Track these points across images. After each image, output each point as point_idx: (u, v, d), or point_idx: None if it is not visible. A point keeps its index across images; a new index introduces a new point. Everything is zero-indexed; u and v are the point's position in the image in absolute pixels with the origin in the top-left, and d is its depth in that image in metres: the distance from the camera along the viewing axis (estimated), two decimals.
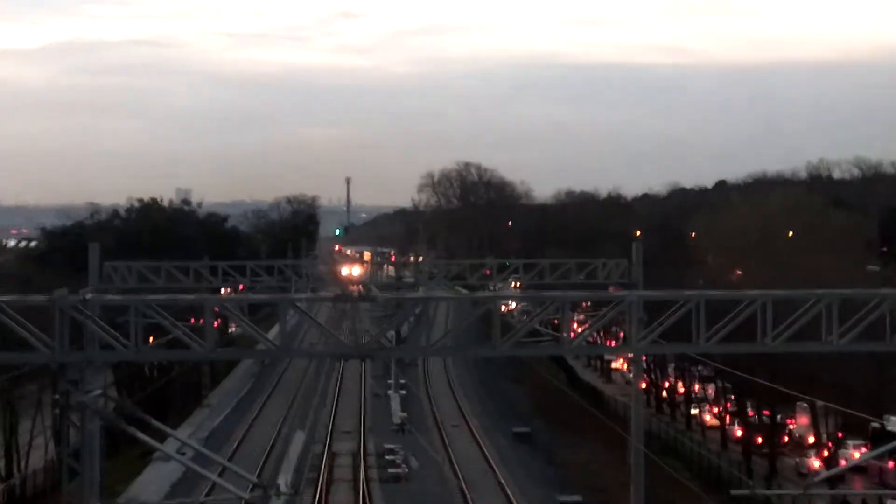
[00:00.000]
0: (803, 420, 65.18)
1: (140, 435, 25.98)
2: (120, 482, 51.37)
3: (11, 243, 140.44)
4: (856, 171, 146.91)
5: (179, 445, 45.48)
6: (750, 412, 65.69)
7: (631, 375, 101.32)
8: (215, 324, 26.92)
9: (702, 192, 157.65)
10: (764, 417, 64.09)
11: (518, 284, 52.14)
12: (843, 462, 51.87)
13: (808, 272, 60.72)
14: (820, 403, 55.34)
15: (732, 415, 70.28)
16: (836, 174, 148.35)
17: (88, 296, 25.07)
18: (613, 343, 74.52)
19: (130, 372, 67.66)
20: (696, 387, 79.90)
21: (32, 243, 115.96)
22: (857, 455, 53.39)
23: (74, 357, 24.49)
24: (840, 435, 57.56)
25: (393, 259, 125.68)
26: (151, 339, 31.15)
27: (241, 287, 48.83)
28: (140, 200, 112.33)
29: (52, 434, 54.75)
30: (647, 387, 79.22)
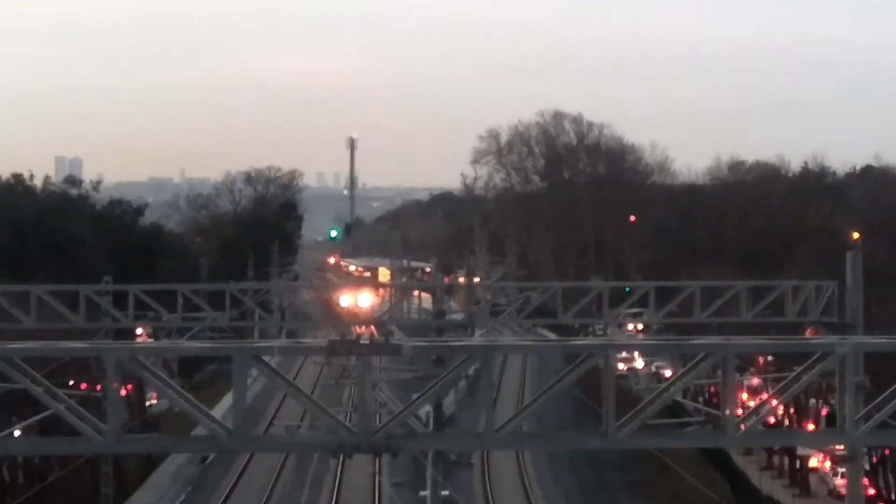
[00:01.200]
0: None
1: None
2: None
3: None
4: None
5: None
6: None
7: (840, 481, 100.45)
8: (123, 391, 27.14)
9: None
10: None
11: (642, 327, 51.53)
12: None
13: None
14: None
15: None
16: None
17: None
18: (812, 426, 73.88)
19: None
20: None
21: None
22: None
23: None
24: None
25: (430, 279, 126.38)
26: (14, 417, 31.37)
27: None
28: None
29: None
30: (873, 500, 78.50)
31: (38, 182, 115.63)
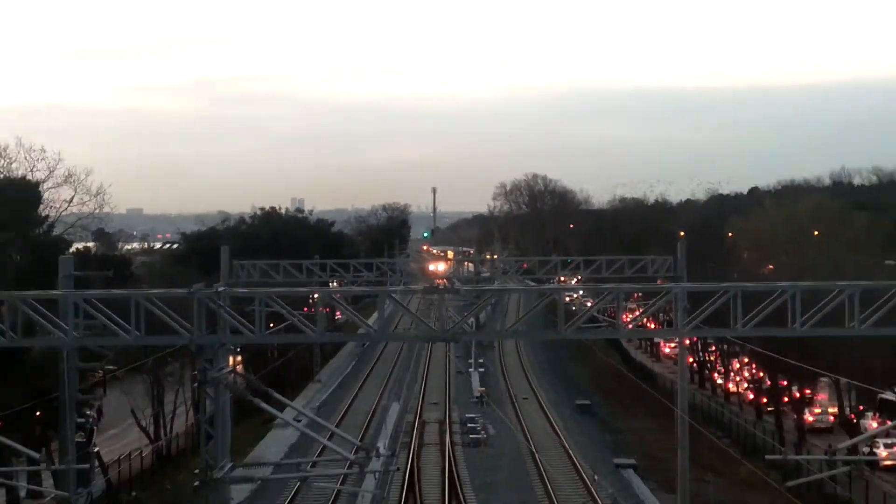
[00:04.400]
0: (823, 396, 63.89)
1: (263, 405, 26.25)
2: (246, 445, 52.00)
3: (157, 246, 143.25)
4: (874, 178, 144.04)
5: (295, 414, 45.92)
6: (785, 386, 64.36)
7: (666, 349, 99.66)
8: (325, 311, 27.11)
9: (737, 198, 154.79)
10: (789, 394, 62.67)
11: (579, 279, 51.37)
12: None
13: (832, 267, 58.92)
14: (843, 381, 53.74)
15: (750, 382, 71.13)
16: (857, 181, 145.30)
17: (220, 289, 25.39)
18: (661, 328, 73.06)
19: (255, 353, 68.26)
20: (736, 365, 78.52)
21: (175, 246, 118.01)
22: (874, 425, 51.60)
23: (209, 340, 24.89)
24: (861, 408, 55.98)
25: (472, 256, 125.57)
26: (272, 325, 31.53)
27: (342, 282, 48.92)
28: (262, 209, 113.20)
29: (191, 404, 55.57)
30: (692, 366, 77.90)
31: (282, 211, 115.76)
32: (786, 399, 63.34)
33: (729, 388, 77.79)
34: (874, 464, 45.31)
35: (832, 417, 60.55)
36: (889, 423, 45.51)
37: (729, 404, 72.54)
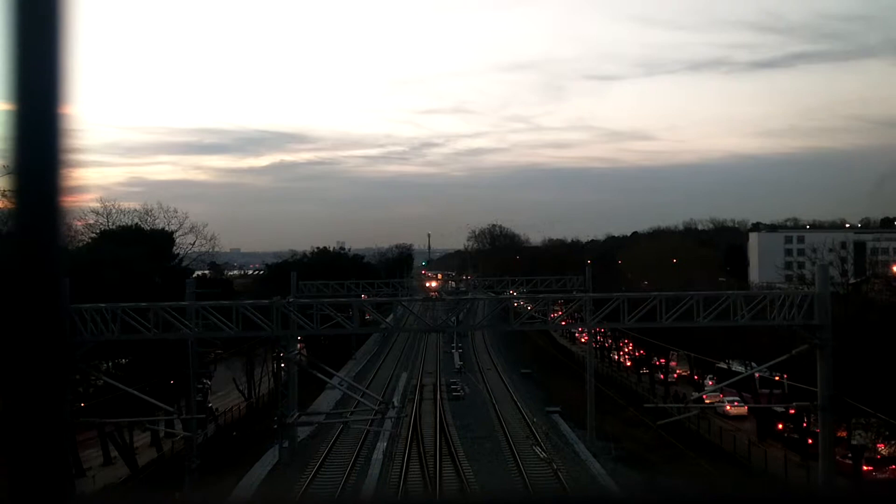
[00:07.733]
0: (674, 363, 64.43)
1: (318, 374, 26.11)
2: (308, 401, 51.37)
3: (250, 272, 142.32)
4: (711, 226, 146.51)
5: (339, 380, 45.47)
6: (656, 361, 64.37)
7: (585, 340, 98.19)
8: (358, 313, 26.88)
9: (624, 238, 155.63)
10: (656, 362, 62.68)
11: (521, 291, 51.09)
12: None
13: (685, 282, 59.16)
14: (693, 355, 53.82)
15: (631, 357, 70.61)
16: (700, 227, 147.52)
17: (291, 300, 25.34)
18: (575, 321, 72.21)
19: (313, 340, 67.32)
20: (622, 345, 78.25)
21: (261, 272, 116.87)
22: (711, 383, 51.51)
23: (284, 333, 24.80)
24: (696, 376, 55.95)
25: (454, 278, 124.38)
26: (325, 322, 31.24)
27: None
28: (318, 248, 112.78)
29: (272, 374, 55.03)
30: (596, 347, 77.56)
31: (331, 249, 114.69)
32: (653, 364, 63.40)
33: (619, 361, 77.66)
34: (710, 408, 45.11)
35: (675, 375, 61.28)
36: (712, 382, 45.50)
37: (619, 371, 72.38)
